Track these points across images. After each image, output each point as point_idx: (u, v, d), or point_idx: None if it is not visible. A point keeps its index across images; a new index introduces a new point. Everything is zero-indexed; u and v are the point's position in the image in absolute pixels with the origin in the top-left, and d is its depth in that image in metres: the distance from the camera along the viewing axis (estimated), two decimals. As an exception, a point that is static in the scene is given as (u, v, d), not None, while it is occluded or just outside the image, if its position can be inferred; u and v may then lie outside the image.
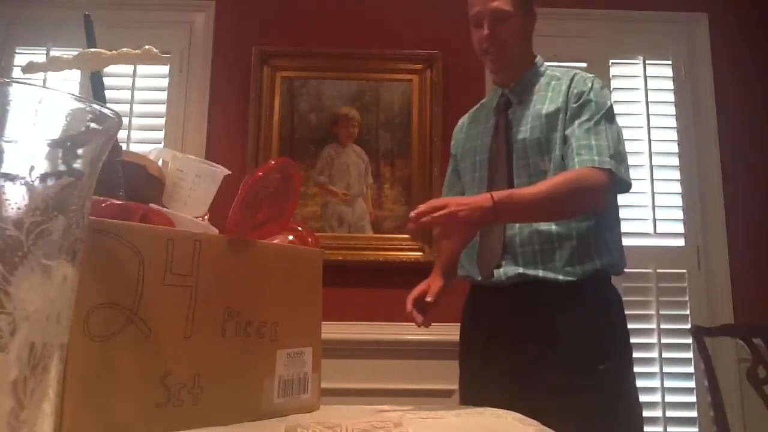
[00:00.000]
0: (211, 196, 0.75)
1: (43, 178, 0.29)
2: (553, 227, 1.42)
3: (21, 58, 2.59)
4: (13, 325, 0.27)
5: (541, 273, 1.41)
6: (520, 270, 1.42)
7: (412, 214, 1.20)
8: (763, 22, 2.70)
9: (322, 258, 0.71)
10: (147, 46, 0.69)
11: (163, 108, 2.55)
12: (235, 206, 0.61)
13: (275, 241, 0.70)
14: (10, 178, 0.27)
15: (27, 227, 0.28)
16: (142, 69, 2.53)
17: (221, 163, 0.77)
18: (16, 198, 0.27)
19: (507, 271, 1.44)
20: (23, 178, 0.28)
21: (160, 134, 2.53)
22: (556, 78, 1.54)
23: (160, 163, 0.74)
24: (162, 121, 2.54)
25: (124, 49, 0.68)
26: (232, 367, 0.59)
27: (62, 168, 0.30)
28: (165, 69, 2.56)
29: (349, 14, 2.64)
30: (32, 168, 0.28)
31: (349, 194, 2.49)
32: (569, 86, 1.49)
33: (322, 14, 2.64)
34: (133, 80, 2.54)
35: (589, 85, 1.48)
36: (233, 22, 2.63)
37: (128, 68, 2.48)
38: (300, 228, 0.76)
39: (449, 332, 2.38)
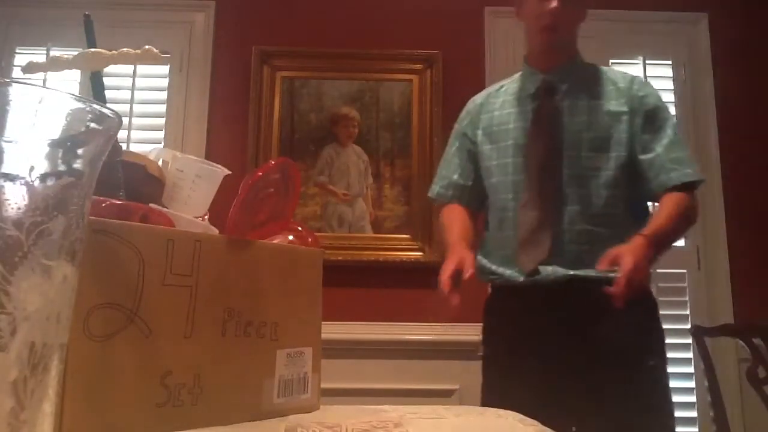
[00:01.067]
0: (211, 196, 0.75)
1: (43, 178, 0.29)
2: (603, 229, 1.41)
3: (21, 58, 2.59)
4: (13, 325, 0.27)
5: (590, 272, 1.38)
6: (569, 269, 1.39)
7: (619, 281, 1.25)
8: (763, 22, 2.70)
9: (322, 258, 0.71)
10: (147, 46, 0.69)
11: (163, 108, 2.56)
12: (235, 206, 0.61)
13: (275, 241, 0.70)
14: (10, 178, 0.27)
15: (27, 227, 0.28)
16: (142, 69, 2.53)
17: (221, 163, 0.77)
18: (16, 198, 0.27)
19: (556, 270, 1.39)
20: (23, 178, 0.28)
21: (160, 134, 2.53)
22: (604, 74, 1.53)
23: (160, 163, 0.74)
24: (162, 121, 2.54)
25: (124, 49, 0.68)
26: (232, 367, 0.59)
27: (62, 168, 0.30)
28: (165, 69, 2.56)
29: (349, 14, 2.64)
30: (32, 168, 0.28)
31: (349, 194, 2.49)
32: (630, 87, 1.49)
33: (322, 14, 2.64)
34: (133, 80, 2.54)
35: (650, 90, 1.50)
36: (233, 22, 2.63)
37: (128, 68, 2.48)
38: (300, 228, 0.76)
39: (449, 332, 2.38)
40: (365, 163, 2.51)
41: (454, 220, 1.59)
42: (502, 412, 0.67)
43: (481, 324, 1.62)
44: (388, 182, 2.50)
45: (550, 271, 1.39)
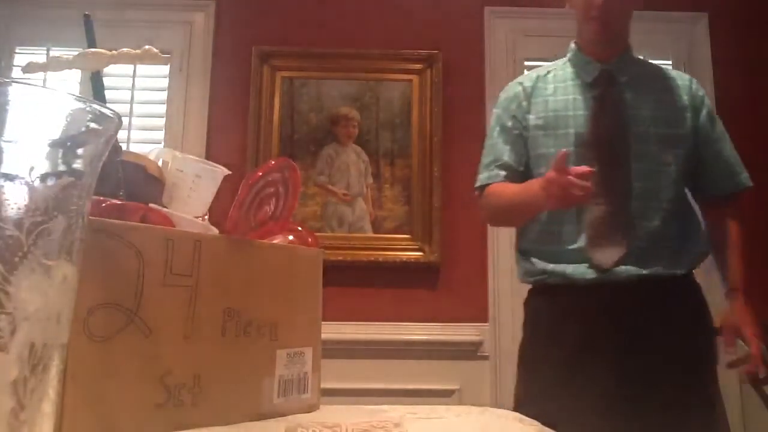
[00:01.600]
0: (211, 196, 0.75)
1: (43, 178, 0.29)
2: (668, 226, 1.39)
3: (21, 58, 2.58)
4: (13, 325, 0.27)
5: (660, 271, 1.35)
6: (639, 268, 1.34)
7: (755, 359, 1.32)
8: (763, 22, 2.70)
9: (322, 258, 0.71)
10: (147, 46, 0.69)
11: (163, 108, 2.55)
12: (235, 206, 0.61)
13: (275, 241, 0.70)
14: (10, 178, 0.27)
15: (27, 227, 0.28)
16: (142, 69, 2.53)
17: (221, 163, 0.77)
18: (16, 198, 0.27)
19: (628, 268, 1.34)
20: (23, 178, 0.28)
21: (160, 134, 2.53)
22: (660, 69, 1.55)
23: (160, 163, 0.74)
24: (162, 121, 2.54)
25: (124, 49, 0.68)
26: (232, 367, 0.59)
27: (62, 168, 0.30)
28: (165, 69, 2.56)
29: (349, 14, 2.64)
30: (32, 168, 0.28)
31: (349, 194, 2.49)
32: (690, 86, 1.50)
33: (322, 14, 2.64)
34: (133, 80, 2.54)
35: (705, 92, 1.53)
36: (233, 22, 2.63)
37: (128, 68, 2.48)
38: (300, 228, 0.76)
39: (449, 332, 2.39)
40: (365, 163, 2.51)
41: (515, 185, 1.45)
42: (501, 412, 0.67)
43: (524, 327, 1.51)
44: (388, 182, 2.50)
45: (622, 269, 1.34)
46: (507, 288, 2.41)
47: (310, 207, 2.47)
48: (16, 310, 0.27)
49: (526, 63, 2.59)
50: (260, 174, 0.63)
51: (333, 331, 2.14)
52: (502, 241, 2.44)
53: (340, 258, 2.38)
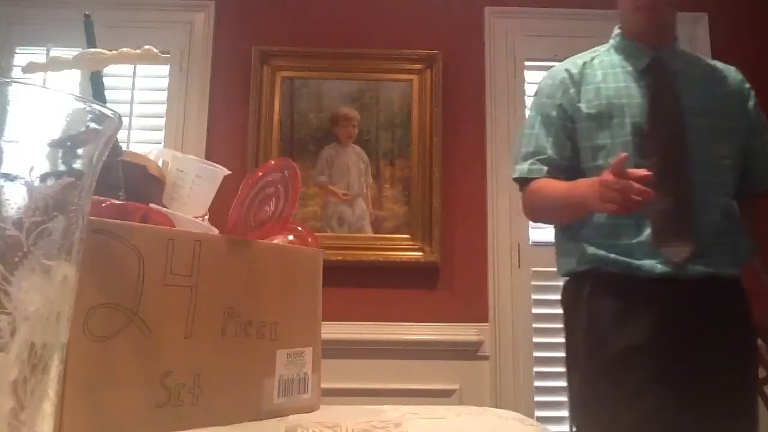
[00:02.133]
0: (211, 196, 0.75)
1: (43, 178, 0.29)
2: (728, 221, 1.36)
3: (21, 58, 2.58)
4: (13, 325, 0.27)
5: (720, 268, 1.32)
6: (706, 265, 1.30)
7: None
8: (763, 22, 2.70)
9: (322, 258, 0.71)
10: (147, 46, 0.69)
11: (163, 108, 2.55)
12: (235, 206, 0.61)
13: (275, 241, 0.70)
14: (10, 178, 0.27)
15: (27, 227, 0.28)
16: (142, 69, 2.53)
17: (221, 163, 0.77)
18: (16, 198, 0.27)
19: (698, 266, 1.30)
20: (23, 178, 0.28)
21: (160, 134, 2.53)
22: (708, 60, 1.54)
23: (160, 163, 0.74)
24: (162, 121, 2.54)
25: (124, 49, 0.68)
26: (232, 367, 0.59)
27: (62, 168, 0.30)
28: (165, 69, 2.56)
29: (349, 14, 2.64)
30: (32, 168, 0.28)
31: (349, 194, 2.49)
32: (736, 77, 1.48)
33: (322, 14, 2.64)
34: (133, 80, 2.54)
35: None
36: (233, 22, 2.63)
37: (128, 68, 2.48)
38: (300, 228, 0.76)
39: (449, 332, 2.39)
40: (365, 163, 2.51)
41: (561, 182, 1.38)
42: (502, 412, 0.67)
43: (570, 319, 1.44)
44: (388, 182, 2.50)
45: (692, 266, 1.30)
46: (507, 288, 2.41)
47: (310, 207, 2.46)
48: (16, 310, 0.27)
49: (527, 63, 2.59)
50: (260, 174, 0.63)
51: (333, 331, 2.13)
52: (502, 241, 2.44)
53: (340, 258, 2.37)
